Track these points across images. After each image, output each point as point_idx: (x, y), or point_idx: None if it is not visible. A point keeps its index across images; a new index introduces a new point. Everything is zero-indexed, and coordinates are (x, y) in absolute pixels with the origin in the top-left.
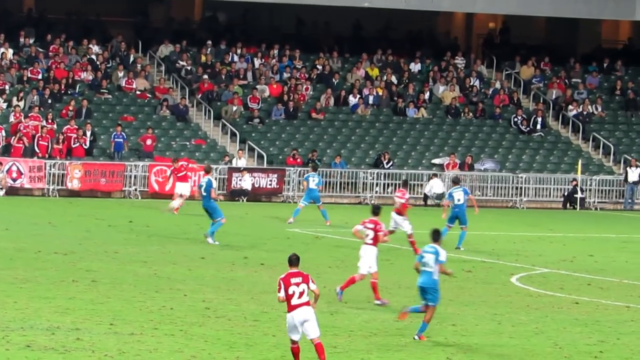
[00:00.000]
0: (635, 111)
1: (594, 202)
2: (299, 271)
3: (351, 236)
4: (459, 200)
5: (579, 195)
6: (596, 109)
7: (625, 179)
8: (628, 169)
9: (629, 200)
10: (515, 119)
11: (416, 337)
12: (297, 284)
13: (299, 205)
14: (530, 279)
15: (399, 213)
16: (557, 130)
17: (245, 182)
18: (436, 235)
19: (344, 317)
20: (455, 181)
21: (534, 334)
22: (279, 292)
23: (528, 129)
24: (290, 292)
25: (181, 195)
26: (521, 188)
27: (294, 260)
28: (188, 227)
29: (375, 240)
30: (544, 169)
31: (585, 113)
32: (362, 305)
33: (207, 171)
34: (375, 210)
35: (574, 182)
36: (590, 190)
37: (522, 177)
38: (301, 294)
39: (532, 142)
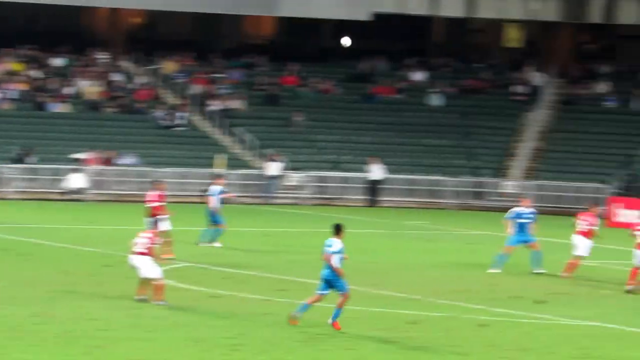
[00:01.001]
0: (276, 106)
1: (236, 196)
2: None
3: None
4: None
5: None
6: (238, 104)
7: (265, 173)
8: (267, 163)
9: (268, 194)
10: (158, 114)
11: (330, 321)
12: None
13: None
14: (170, 273)
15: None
16: (199, 125)
17: None
18: (336, 229)
19: None
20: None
21: (173, 327)
22: None
23: (170, 123)
24: None
25: None
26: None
27: None
28: None
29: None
30: (186, 164)
31: (227, 108)
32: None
33: None
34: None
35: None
36: (232, 184)
37: (164, 172)
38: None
39: (174, 136)
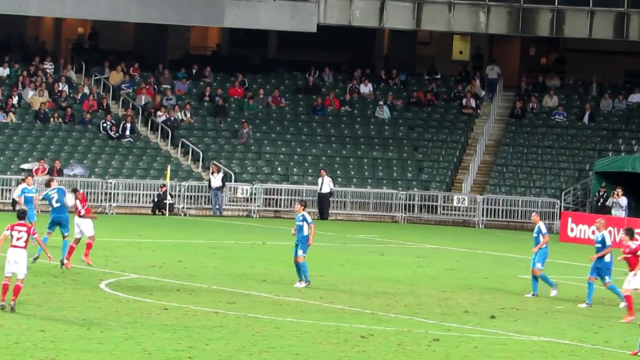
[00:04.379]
0: (223, 117)
1: (183, 207)
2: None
3: None
4: (57, 202)
5: (168, 201)
6: (185, 115)
7: (210, 185)
8: (210, 175)
9: (216, 206)
10: (105, 124)
11: None
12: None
13: None
14: (119, 285)
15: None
16: (146, 136)
17: None
18: None
19: None
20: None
21: (123, 339)
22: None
23: (117, 134)
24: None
25: None
26: (110, 193)
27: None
28: None
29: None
30: (133, 175)
31: (173, 119)
32: None
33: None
34: (22, 216)
35: (164, 188)
36: (179, 196)
37: (111, 183)
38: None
39: (121, 147)
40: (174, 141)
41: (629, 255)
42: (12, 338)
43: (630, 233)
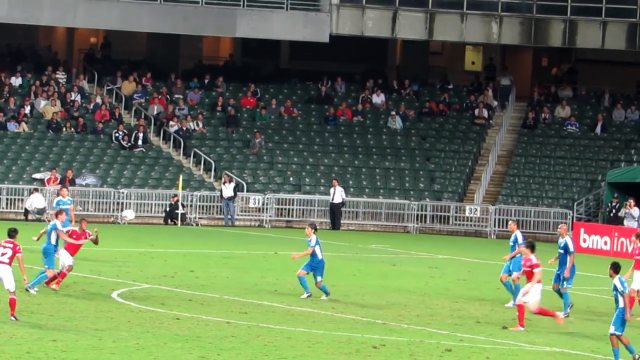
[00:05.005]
0: (235, 127)
1: (195, 217)
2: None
3: None
4: None
5: (180, 210)
6: (197, 124)
7: (222, 195)
8: (222, 185)
9: (228, 216)
10: (117, 134)
11: None
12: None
13: None
14: (131, 295)
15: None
16: (158, 146)
17: None
18: None
19: None
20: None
21: (135, 349)
22: None
23: (129, 144)
24: None
25: None
26: (122, 203)
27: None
28: None
29: (12, 260)
30: (145, 185)
31: (185, 129)
32: None
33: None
34: (12, 234)
35: (175, 198)
36: (191, 205)
37: (123, 193)
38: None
39: (133, 157)
40: (186, 151)
41: (528, 269)
42: (24, 348)
43: (531, 246)
